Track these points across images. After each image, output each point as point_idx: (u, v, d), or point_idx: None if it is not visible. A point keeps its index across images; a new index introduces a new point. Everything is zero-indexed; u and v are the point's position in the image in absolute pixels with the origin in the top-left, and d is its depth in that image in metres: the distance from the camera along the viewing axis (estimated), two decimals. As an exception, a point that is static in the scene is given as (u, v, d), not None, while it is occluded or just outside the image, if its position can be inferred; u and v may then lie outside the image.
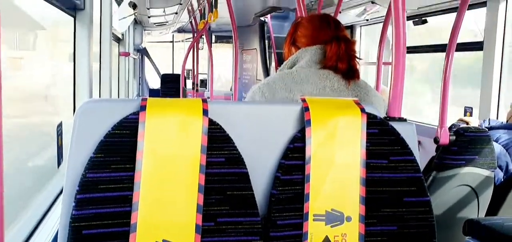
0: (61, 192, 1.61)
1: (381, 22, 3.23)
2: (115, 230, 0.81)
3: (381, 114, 1.01)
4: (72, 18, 2.09)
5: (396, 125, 0.95)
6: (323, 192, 0.87)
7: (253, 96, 1.37)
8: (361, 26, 5.13)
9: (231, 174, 0.86)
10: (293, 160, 0.89)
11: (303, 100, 0.92)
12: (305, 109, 0.90)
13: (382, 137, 0.92)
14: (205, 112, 0.85)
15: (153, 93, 8.80)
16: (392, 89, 1.13)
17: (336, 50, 1.35)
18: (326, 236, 0.86)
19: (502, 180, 2.29)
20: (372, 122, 0.92)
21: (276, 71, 2.06)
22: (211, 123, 0.85)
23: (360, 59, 1.44)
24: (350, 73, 1.37)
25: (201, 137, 0.83)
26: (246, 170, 0.86)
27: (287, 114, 0.94)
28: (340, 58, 1.35)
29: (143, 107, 0.84)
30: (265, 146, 0.92)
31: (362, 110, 0.91)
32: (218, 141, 0.85)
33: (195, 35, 5.92)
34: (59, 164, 1.65)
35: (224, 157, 0.85)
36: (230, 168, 0.86)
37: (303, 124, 0.90)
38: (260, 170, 0.91)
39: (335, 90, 1.34)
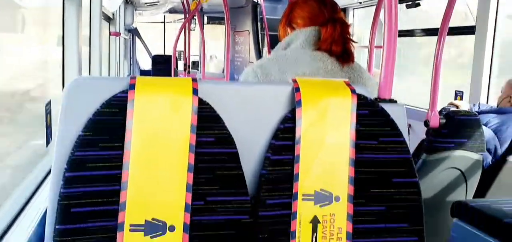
0: (50, 171, 1.60)
1: (374, 4, 3.21)
2: (104, 209, 0.80)
3: (373, 96, 1.01)
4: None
5: (386, 106, 0.95)
6: (312, 172, 0.87)
7: (246, 77, 1.36)
8: (354, 8, 5.11)
9: (221, 154, 0.85)
10: (284, 140, 0.89)
11: (294, 81, 0.92)
12: (296, 90, 0.90)
13: (372, 118, 0.92)
14: (195, 91, 0.84)
15: (144, 74, 8.73)
16: (383, 71, 1.13)
17: (331, 32, 1.34)
18: (315, 216, 0.87)
19: (491, 163, 2.32)
20: (363, 103, 0.92)
21: (268, 54, 2.05)
22: (201, 102, 0.85)
23: (355, 42, 1.43)
24: (344, 56, 1.36)
25: (191, 116, 0.83)
26: (235, 149, 0.86)
27: (278, 95, 0.93)
28: (335, 41, 1.35)
29: (132, 86, 0.83)
30: (256, 126, 0.92)
31: (353, 91, 0.91)
32: (208, 121, 0.85)
33: (187, 15, 5.85)
34: (47, 142, 1.63)
35: (214, 137, 0.85)
36: (220, 147, 0.85)
37: (294, 104, 0.90)
38: (251, 150, 0.91)
39: (328, 72, 1.33)
